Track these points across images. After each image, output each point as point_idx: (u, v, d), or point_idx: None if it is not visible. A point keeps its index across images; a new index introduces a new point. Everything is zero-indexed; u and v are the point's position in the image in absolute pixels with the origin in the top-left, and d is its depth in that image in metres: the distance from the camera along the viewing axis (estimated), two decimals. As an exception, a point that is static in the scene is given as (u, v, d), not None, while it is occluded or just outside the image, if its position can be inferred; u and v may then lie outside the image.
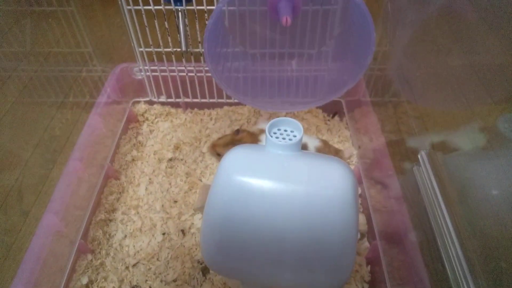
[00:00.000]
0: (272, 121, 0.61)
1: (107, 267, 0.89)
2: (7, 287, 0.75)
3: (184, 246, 0.92)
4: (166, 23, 0.98)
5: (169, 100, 1.23)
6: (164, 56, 1.08)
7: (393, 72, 0.95)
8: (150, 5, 0.96)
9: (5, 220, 0.97)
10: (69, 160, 0.95)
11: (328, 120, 1.24)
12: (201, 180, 1.06)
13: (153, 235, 0.94)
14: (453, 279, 0.59)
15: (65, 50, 1.24)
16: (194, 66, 1.10)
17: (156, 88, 1.21)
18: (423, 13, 0.82)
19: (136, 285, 0.86)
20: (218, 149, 0.99)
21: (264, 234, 0.57)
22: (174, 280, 0.86)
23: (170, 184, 1.05)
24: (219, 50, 0.93)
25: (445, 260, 0.62)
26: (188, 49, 1.02)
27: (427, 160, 0.71)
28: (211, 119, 1.24)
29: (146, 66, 1.14)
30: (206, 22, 0.87)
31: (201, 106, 1.26)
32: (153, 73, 1.16)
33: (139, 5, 0.97)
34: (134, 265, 0.89)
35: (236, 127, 1.18)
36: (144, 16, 0.98)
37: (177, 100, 1.22)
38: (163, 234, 0.94)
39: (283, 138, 0.61)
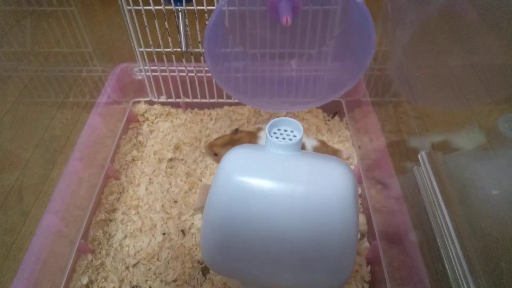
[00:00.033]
0: (272, 121, 0.61)
1: (107, 267, 0.89)
2: (7, 287, 0.75)
3: (184, 246, 0.92)
4: (166, 23, 0.98)
5: (169, 100, 1.23)
6: (164, 56, 1.08)
7: (393, 72, 0.95)
8: (150, 5, 0.96)
9: (5, 220, 0.97)
10: (69, 160, 0.95)
11: (328, 120, 1.24)
12: (201, 180, 1.06)
13: (153, 235, 0.94)
14: (453, 279, 0.59)
15: (65, 50, 1.24)
16: (194, 66, 1.10)
17: (156, 88, 1.21)
18: (423, 13, 0.82)
19: (136, 285, 0.86)
20: (216, 149, 0.99)
21: (264, 234, 0.57)
22: (174, 280, 0.86)
23: (170, 184, 1.05)
24: (219, 50, 0.93)
25: (445, 260, 0.62)
26: (188, 49, 1.02)
27: (427, 160, 0.71)
28: (211, 119, 1.24)
29: (146, 66, 1.14)
30: (206, 22, 0.87)
31: (201, 106, 1.26)
32: (153, 73, 1.16)
33: (139, 5, 0.97)
34: (134, 265, 0.89)
35: (236, 127, 1.18)
36: (144, 16, 0.98)
37: (177, 100, 1.22)
38: (163, 234, 0.94)
39: (283, 138, 0.60)
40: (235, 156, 0.61)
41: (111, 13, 1.33)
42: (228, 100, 1.20)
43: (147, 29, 1.01)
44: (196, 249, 0.92)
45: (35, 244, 0.80)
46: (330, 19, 0.94)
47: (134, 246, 0.92)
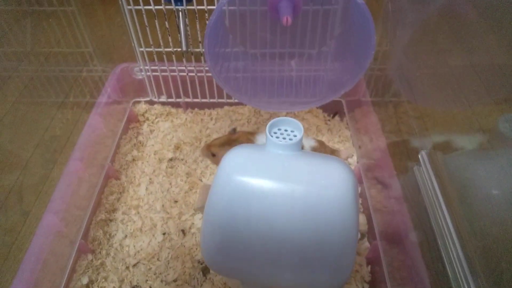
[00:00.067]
0: (272, 121, 0.61)
1: (108, 267, 0.89)
2: (7, 287, 0.75)
3: (184, 246, 0.92)
4: (166, 23, 0.98)
5: (170, 100, 1.23)
6: (164, 56, 1.08)
7: (394, 72, 0.94)
8: (150, 5, 0.96)
9: (5, 220, 0.97)
10: (69, 160, 0.95)
11: (329, 120, 1.24)
12: (201, 180, 1.06)
13: (153, 235, 0.94)
14: (454, 279, 0.59)
15: (65, 50, 1.24)
16: (194, 66, 1.09)
17: (156, 88, 1.21)
18: (423, 13, 0.82)
19: (136, 285, 0.86)
20: (214, 149, 0.98)
21: (264, 234, 0.57)
22: (175, 280, 0.86)
23: (170, 184, 1.05)
24: (219, 50, 0.93)
25: (445, 260, 0.62)
26: (189, 49, 1.02)
27: (428, 160, 0.71)
28: (211, 119, 1.24)
29: (147, 66, 1.14)
30: (207, 22, 0.87)
31: (202, 106, 1.26)
32: (154, 73, 1.16)
33: (140, 5, 0.97)
34: (134, 265, 0.89)
35: (238, 127, 1.18)
36: (144, 16, 0.98)
37: (178, 100, 1.22)
38: (164, 234, 0.94)
39: (284, 138, 0.60)
40: (235, 156, 0.61)
41: (111, 13, 1.33)
42: (228, 100, 1.20)
43: (147, 28, 1.01)
44: (196, 249, 0.92)
45: (35, 244, 0.80)
46: (331, 19, 0.94)
47: (134, 246, 0.92)
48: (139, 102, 1.26)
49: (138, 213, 0.99)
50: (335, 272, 0.59)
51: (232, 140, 0.99)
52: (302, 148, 0.98)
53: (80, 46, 1.22)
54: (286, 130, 0.62)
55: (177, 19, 0.97)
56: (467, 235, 0.59)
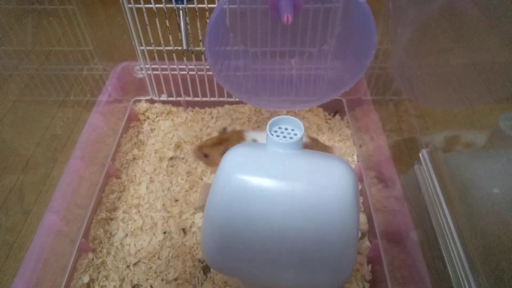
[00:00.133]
0: (273, 119, 0.61)
1: (108, 266, 0.89)
2: (8, 286, 0.75)
3: (185, 245, 0.92)
4: (167, 21, 0.98)
5: (170, 98, 1.23)
6: (165, 55, 1.08)
7: (394, 71, 0.94)
8: (151, 3, 0.96)
9: (6, 219, 0.97)
10: (70, 159, 0.95)
11: (329, 119, 1.24)
12: (202, 179, 1.06)
13: (154, 234, 0.94)
14: (455, 278, 0.59)
15: (66, 49, 1.24)
16: (195, 65, 1.09)
17: (157, 86, 1.21)
18: (424, 11, 0.81)
19: (137, 284, 0.86)
20: (206, 150, 0.98)
21: (265, 233, 0.57)
22: (175, 279, 0.86)
23: (171, 183, 1.05)
24: (220, 48, 0.93)
25: (446, 259, 0.61)
26: (189, 48, 1.02)
27: (428, 159, 0.71)
28: (212, 117, 1.24)
29: (147, 64, 1.14)
30: (207, 20, 0.86)
31: (202, 105, 1.26)
32: (154, 72, 1.16)
33: (140, 3, 0.97)
34: (135, 264, 0.89)
35: (238, 126, 1.18)
36: (145, 14, 0.98)
37: (178, 98, 1.22)
38: (164, 233, 0.94)
39: (284, 137, 0.60)
40: (236, 155, 0.61)
41: (112, 11, 1.33)
42: (229, 99, 1.20)
43: (148, 27, 1.01)
44: (197, 248, 0.92)
45: (36, 243, 0.80)
46: (331, 18, 0.94)
47: (135, 244, 0.92)
48: (139, 100, 1.26)
49: (139, 212, 0.99)
50: (335, 271, 0.59)
51: (223, 139, 0.99)
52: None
53: (80, 44, 1.22)
54: (286, 129, 0.62)
55: (177, 17, 0.97)
56: (468, 234, 0.59)
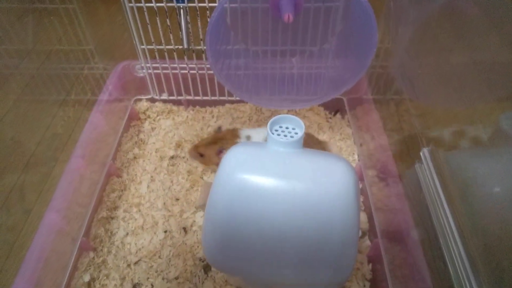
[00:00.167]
0: (273, 118, 0.61)
1: (109, 264, 0.89)
2: (9, 285, 0.75)
3: (185, 244, 0.92)
4: (168, 20, 0.98)
5: (171, 97, 1.23)
6: (166, 54, 1.08)
7: (395, 70, 0.94)
8: (152, 2, 0.96)
9: (7, 218, 0.97)
10: (71, 158, 0.95)
11: (330, 118, 1.24)
12: (202, 178, 1.06)
13: (155, 233, 0.94)
14: (455, 277, 0.59)
15: (67, 48, 1.24)
16: (195, 64, 1.09)
17: (158, 85, 1.21)
18: (425, 11, 0.81)
19: (137, 283, 0.86)
20: (201, 150, 0.98)
21: (266, 231, 0.57)
22: (176, 278, 0.86)
23: (171, 182, 1.05)
24: (221, 47, 0.93)
25: (447, 258, 0.61)
26: (190, 47, 1.02)
27: (429, 158, 0.71)
28: (212, 116, 1.24)
29: (148, 63, 1.14)
30: (208, 19, 0.86)
31: (203, 104, 1.26)
32: (155, 71, 1.16)
33: (141, 3, 0.97)
34: (135, 263, 0.89)
35: (238, 125, 1.18)
36: (146, 13, 0.98)
37: (179, 97, 1.22)
38: (165, 231, 0.94)
39: (285, 136, 0.60)
40: (237, 154, 0.61)
41: (112, 10, 1.33)
42: (229, 98, 1.20)
43: (148, 26, 1.01)
44: (197, 246, 0.92)
45: (37, 242, 0.80)
46: (332, 16, 0.94)
47: (135, 243, 0.92)
48: (140, 99, 1.26)
49: (140, 211, 0.99)
50: (336, 270, 0.59)
51: (218, 138, 0.99)
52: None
53: (81, 43, 1.22)
54: (287, 128, 0.62)
55: (178, 16, 0.97)
56: (469, 233, 0.59)
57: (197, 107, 1.27)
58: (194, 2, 0.95)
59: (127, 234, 0.95)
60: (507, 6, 0.59)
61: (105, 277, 0.87)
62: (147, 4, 0.97)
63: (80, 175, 0.94)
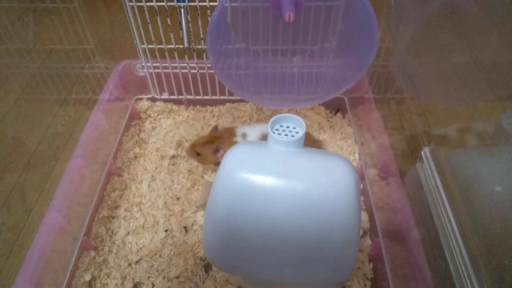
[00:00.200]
0: (274, 117, 0.61)
1: (110, 263, 0.89)
2: (10, 284, 0.75)
3: (186, 243, 0.92)
4: (168, 19, 0.98)
5: (172, 97, 1.23)
6: (166, 53, 1.08)
7: (396, 69, 0.94)
8: (152, 2, 0.96)
9: (8, 217, 0.97)
10: (71, 157, 0.95)
11: (331, 117, 1.24)
12: (203, 177, 1.06)
13: (155, 232, 0.94)
14: (456, 277, 0.59)
15: (67, 47, 1.24)
16: (196, 63, 1.09)
17: (158, 85, 1.21)
18: (426, 9, 0.81)
19: (138, 282, 0.86)
20: (198, 149, 0.99)
21: (266, 231, 0.57)
22: (177, 277, 0.86)
23: (172, 181, 1.05)
24: (221, 47, 0.93)
25: (448, 258, 0.61)
26: (191, 46, 1.02)
27: (430, 157, 0.71)
28: (213, 116, 1.24)
29: (149, 63, 1.14)
30: (209, 18, 0.86)
31: (204, 103, 1.26)
32: (156, 70, 1.16)
33: (142, 2, 0.97)
34: (136, 262, 0.89)
35: (239, 125, 1.18)
36: (146, 12, 0.98)
37: (180, 97, 1.22)
38: (166, 231, 0.94)
39: (286, 135, 0.60)
40: (237, 153, 0.61)
41: (113, 9, 1.33)
42: (230, 97, 1.20)
43: (149, 25, 1.01)
44: (198, 246, 0.92)
45: (37, 241, 0.80)
46: (333, 15, 0.94)
47: (136, 243, 0.92)
48: (141, 99, 1.26)
49: (141, 210, 0.99)
50: (337, 269, 0.59)
51: (214, 137, 0.99)
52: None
53: (82, 43, 1.22)
54: (288, 127, 0.62)
55: (179, 15, 0.97)
56: (470, 232, 0.59)
57: (198, 106, 1.27)
58: (194, 1, 0.95)
59: (128, 233, 0.95)
60: (507, 5, 0.59)
61: (106, 276, 0.87)
62: (148, 3, 0.97)
63: (81, 174, 0.94)
